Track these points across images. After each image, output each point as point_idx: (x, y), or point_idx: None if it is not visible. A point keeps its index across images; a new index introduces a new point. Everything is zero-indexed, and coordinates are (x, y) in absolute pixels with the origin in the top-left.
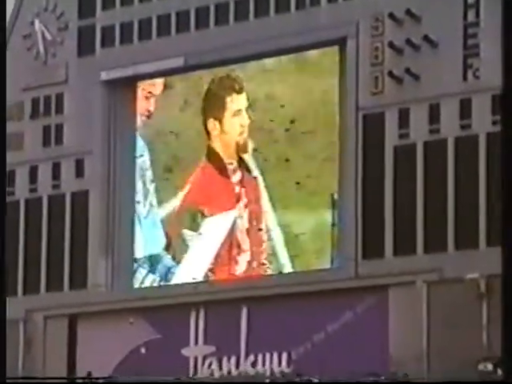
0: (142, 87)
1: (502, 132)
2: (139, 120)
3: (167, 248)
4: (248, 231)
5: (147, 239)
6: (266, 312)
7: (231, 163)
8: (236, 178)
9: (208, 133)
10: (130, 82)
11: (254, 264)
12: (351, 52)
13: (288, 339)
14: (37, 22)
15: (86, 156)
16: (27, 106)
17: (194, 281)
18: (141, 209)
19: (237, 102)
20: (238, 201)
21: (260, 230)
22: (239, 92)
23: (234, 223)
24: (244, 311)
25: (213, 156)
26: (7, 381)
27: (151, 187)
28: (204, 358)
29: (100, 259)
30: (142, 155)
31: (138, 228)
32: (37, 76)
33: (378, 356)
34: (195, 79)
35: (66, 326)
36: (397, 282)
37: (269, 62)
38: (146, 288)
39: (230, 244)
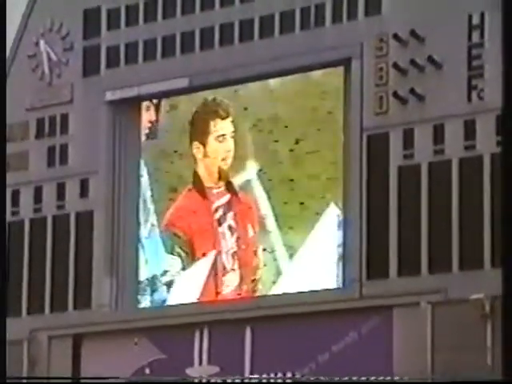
0: (147, 106)
1: (502, 153)
2: (142, 139)
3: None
4: (236, 254)
5: (150, 260)
6: (271, 332)
7: (217, 187)
8: (221, 201)
9: (194, 156)
10: (135, 103)
11: (243, 286)
12: (356, 72)
13: (292, 359)
14: (42, 43)
15: (91, 176)
16: (32, 126)
17: (198, 301)
18: (142, 230)
19: (220, 128)
20: (219, 225)
21: (255, 251)
22: (224, 118)
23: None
24: (248, 331)
25: (197, 180)
26: (7, 381)
27: (152, 207)
28: (208, 379)
29: (104, 279)
30: (141, 175)
31: (140, 250)
32: (42, 96)
33: (382, 376)
34: (199, 100)
35: (71, 345)
36: (401, 302)
37: (273, 82)
38: (151, 308)
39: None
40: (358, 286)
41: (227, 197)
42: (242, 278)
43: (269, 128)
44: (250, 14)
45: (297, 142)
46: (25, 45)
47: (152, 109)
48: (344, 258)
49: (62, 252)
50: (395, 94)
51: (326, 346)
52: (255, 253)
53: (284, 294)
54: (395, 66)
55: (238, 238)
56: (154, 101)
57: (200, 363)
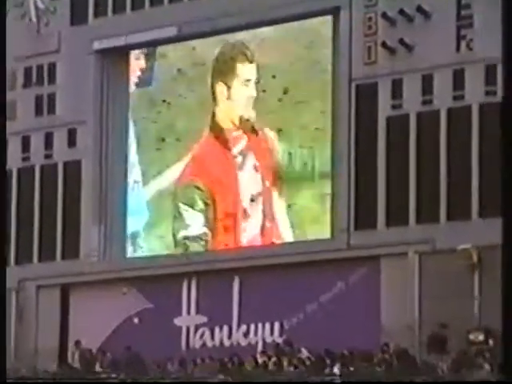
0: (134, 56)
1: (503, 101)
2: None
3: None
4: (260, 194)
5: (132, 216)
6: (258, 282)
7: (235, 129)
8: (241, 145)
9: (214, 98)
10: (123, 52)
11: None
12: (344, 22)
13: (280, 309)
14: None
15: (79, 126)
16: (19, 75)
17: (186, 252)
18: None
19: (247, 72)
20: (240, 169)
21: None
22: (250, 61)
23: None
24: (236, 281)
25: (215, 125)
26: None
27: (135, 159)
28: (196, 328)
29: (93, 229)
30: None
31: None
32: (29, 45)
33: (369, 326)
34: (188, 49)
35: (59, 295)
36: (389, 252)
37: (261, 31)
38: (139, 258)
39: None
40: (345, 236)
41: (246, 138)
42: (265, 217)
43: (256, 78)
44: None
45: (285, 92)
46: None
47: (142, 57)
48: (332, 209)
49: (50, 201)
50: (384, 44)
51: (314, 295)
52: (278, 193)
53: (272, 244)
54: (384, 15)
55: (262, 176)
56: (144, 50)
57: (188, 313)
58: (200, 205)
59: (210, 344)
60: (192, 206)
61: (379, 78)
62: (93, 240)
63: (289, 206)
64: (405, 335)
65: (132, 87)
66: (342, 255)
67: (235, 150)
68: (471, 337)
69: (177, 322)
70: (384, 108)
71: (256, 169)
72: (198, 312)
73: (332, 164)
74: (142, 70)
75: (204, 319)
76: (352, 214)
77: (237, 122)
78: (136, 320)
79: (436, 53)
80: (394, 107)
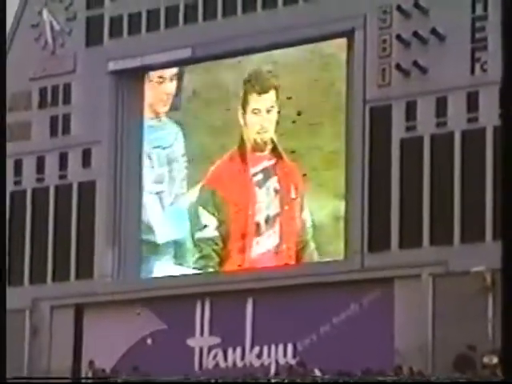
0: (151, 79)
1: (503, 125)
2: (165, 108)
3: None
4: (278, 215)
5: (172, 226)
6: (272, 303)
7: (259, 151)
8: (262, 165)
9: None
10: (138, 73)
11: (282, 246)
12: (359, 44)
13: (293, 331)
14: (45, 12)
15: (94, 146)
16: (35, 95)
17: (200, 271)
18: (166, 198)
19: (256, 101)
20: (259, 187)
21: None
22: (259, 93)
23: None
24: (250, 303)
25: (241, 144)
26: (7, 381)
27: (179, 176)
28: (209, 349)
29: (107, 249)
30: (170, 145)
31: (161, 216)
32: (45, 66)
33: (383, 348)
34: (202, 71)
35: (72, 315)
36: (402, 274)
37: (276, 53)
38: (153, 279)
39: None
40: (359, 257)
41: (272, 161)
42: (281, 239)
43: (215, 117)
44: None
45: (299, 114)
46: (28, 14)
47: (167, 80)
48: (346, 230)
49: (65, 222)
50: (398, 66)
51: (328, 317)
52: (298, 215)
53: (286, 264)
54: (398, 37)
55: (281, 199)
56: (171, 72)
57: (201, 334)
58: (214, 210)
59: (223, 365)
60: (208, 210)
61: (393, 101)
62: (107, 260)
63: (307, 227)
64: (418, 357)
65: (161, 111)
66: (355, 277)
67: (256, 169)
68: (485, 360)
69: (190, 342)
70: (398, 130)
71: (276, 191)
72: (211, 333)
73: (346, 186)
74: (170, 95)
75: (217, 340)
76: (366, 235)
77: (257, 144)
78: (149, 341)
79: (450, 75)
80: (407, 129)
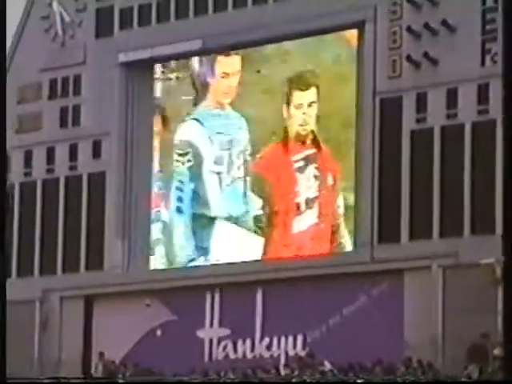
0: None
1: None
2: (228, 100)
3: None
4: (317, 198)
5: (227, 204)
6: (282, 295)
7: (300, 142)
8: (303, 154)
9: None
10: (148, 64)
11: (321, 225)
12: (369, 36)
13: (303, 322)
14: (55, 4)
15: (104, 137)
16: (45, 86)
17: (211, 263)
18: (224, 179)
19: (300, 97)
20: (300, 172)
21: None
22: (302, 90)
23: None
24: (259, 294)
25: (285, 134)
26: (7, 381)
27: (238, 161)
28: (219, 341)
29: (117, 241)
30: (230, 133)
31: (218, 194)
32: (55, 57)
33: (392, 340)
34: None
35: (82, 306)
36: (412, 266)
37: (287, 44)
38: (162, 270)
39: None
40: (369, 249)
41: (312, 150)
42: (319, 219)
43: (265, 110)
44: None
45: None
46: (38, 6)
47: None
48: (355, 222)
49: (75, 213)
50: (408, 58)
51: (337, 309)
52: (334, 200)
53: (295, 256)
54: (409, 29)
55: (319, 185)
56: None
57: (211, 325)
58: (260, 192)
59: (232, 356)
60: (254, 191)
61: (404, 92)
62: (117, 252)
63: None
64: (428, 349)
65: (224, 102)
66: (365, 269)
67: (297, 157)
68: (495, 352)
69: (200, 334)
70: (408, 122)
71: (315, 177)
72: (221, 324)
73: (356, 177)
74: (232, 88)
75: (227, 332)
76: (375, 227)
77: (299, 135)
78: (159, 332)
79: (461, 67)
80: (418, 121)
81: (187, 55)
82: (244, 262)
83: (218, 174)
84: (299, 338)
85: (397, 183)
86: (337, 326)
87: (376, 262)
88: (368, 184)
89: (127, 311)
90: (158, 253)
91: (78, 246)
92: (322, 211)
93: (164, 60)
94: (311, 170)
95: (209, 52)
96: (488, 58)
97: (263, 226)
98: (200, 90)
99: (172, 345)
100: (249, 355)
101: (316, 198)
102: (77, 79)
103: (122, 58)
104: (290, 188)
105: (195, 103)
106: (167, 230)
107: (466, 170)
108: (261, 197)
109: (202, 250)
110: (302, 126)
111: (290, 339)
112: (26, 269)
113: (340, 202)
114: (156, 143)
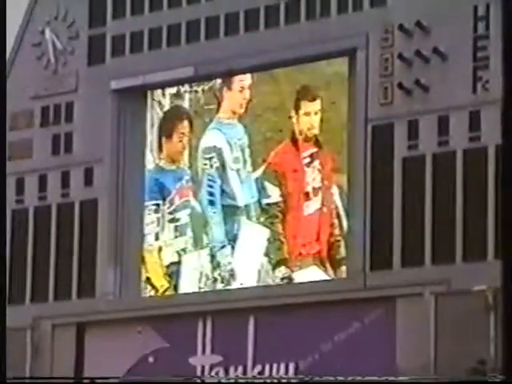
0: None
1: (504, 143)
2: (241, 110)
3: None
4: (320, 188)
5: (246, 195)
6: (274, 322)
7: (305, 142)
8: (309, 151)
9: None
10: (140, 91)
11: (323, 209)
12: (361, 63)
13: (295, 349)
14: (47, 31)
15: (96, 165)
16: (37, 114)
17: (201, 290)
18: (242, 174)
19: (308, 106)
20: (307, 166)
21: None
22: (313, 100)
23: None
24: (251, 321)
25: (293, 135)
26: (7, 381)
27: (249, 160)
28: (211, 368)
29: (108, 268)
30: (242, 138)
31: (240, 187)
32: (47, 84)
33: (384, 366)
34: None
35: (74, 334)
36: (404, 293)
37: (278, 72)
38: (154, 297)
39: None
40: (361, 276)
41: (316, 149)
42: (322, 203)
43: (273, 117)
44: (255, 3)
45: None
46: (30, 33)
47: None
48: (347, 248)
49: (67, 240)
50: (400, 85)
51: (329, 336)
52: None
53: (287, 283)
54: (400, 56)
55: (322, 176)
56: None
57: (203, 352)
58: (277, 183)
59: None
60: (272, 183)
61: (395, 119)
62: (109, 279)
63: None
64: (420, 376)
65: (239, 112)
66: (357, 295)
67: (305, 154)
68: (488, 379)
69: (192, 361)
70: (400, 149)
71: (319, 170)
72: (213, 351)
73: (348, 204)
74: (245, 100)
75: (219, 358)
76: (368, 254)
77: (307, 137)
78: (151, 359)
79: (452, 94)
80: (409, 148)
81: (179, 82)
82: (236, 288)
83: (237, 170)
84: (291, 366)
85: (389, 210)
86: (329, 353)
87: (368, 288)
88: (360, 211)
89: (119, 338)
90: (187, 234)
91: (70, 273)
92: (324, 197)
93: (156, 87)
94: (315, 164)
95: (200, 79)
96: (479, 86)
97: (276, 212)
98: (220, 100)
99: (164, 372)
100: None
101: (319, 187)
102: (69, 106)
103: (114, 85)
104: (302, 178)
105: (216, 111)
106: (196, 216)
107: (457, 197)
108: (276, 185)
109: (233, 235)
110: (309, 129)
111: (282, 366)
112: (17, 296)
113: (334, 190)
114: (185, 142)
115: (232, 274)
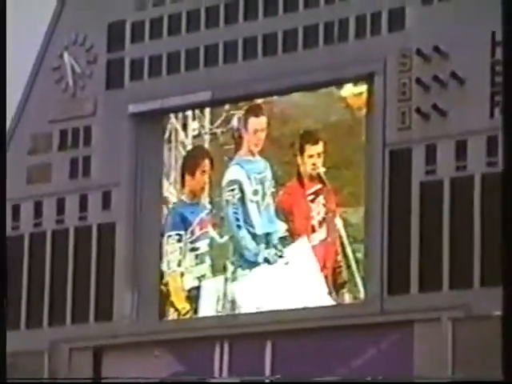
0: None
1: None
2: (257, 149)
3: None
4: (325, 220)
5: (264, 225)
6: (291, 346)
7: (312, 179)
8: (313, 188)
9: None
10: (158, 115)
11: (328, 239)
12: (379, 88)
13: (312, 373)
14: (66, 55)
15: (113, 188)
16: (55, 137)
17: (218, 314)
18: (261, 206)
19: (311, 149)
20: (312, 202)
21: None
22: (315, 143)
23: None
24: (268, 345)
25: (299, 175)
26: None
27: (268, 192)
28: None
29: (126, 291)
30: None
31: (258, 217)
32: (65, 108)
33: None
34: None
35: (91, 358)
36: (422, 318)
37: (296, 96)
38: (171, 321)
39: None
40: (379, 301)
41: (320, 185)
42: (327, 234)
43: (291, 142)
44: (273, 28)
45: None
46: (49, 57)
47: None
48: (365, 273)
49: (84, 263)
50: (418, 110)
51: (346, 360)
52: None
53: (304, 308)
54: (418, 81)
55: (326, 210)
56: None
57: (220, 376)
58: (284, 218)
59: None
60: (279, 218)
61: (413, 144)
62: (126, 302)
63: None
64: None
65: (255, 150)
66: (374, 320)
67: (310, 191)
68: None
69: None
70: (418, 173)
71: (323, 205)
72: (230, 375)
73: (365, 229)
74: (260, 140)
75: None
76: (385, 278)
77: (311, 175)
78: None
79: (470, 119)
80: (427, 173)
81: (197, 106)
82: (253, 313)
83: (257, 202)
84: None
85: (406, 235)
86: (345, 377)
87: (386, 313)
88: (378, 236)
89: (136, 362)
90: (207, 262)
91: (87, 296)
92: (329, 229)
93: (174, 111)
94: (320, 199)
95: (218, 103)
96: (497, 111)
97: (286, 243)
98: (237, 141)
99: None
100: None
101: (324, 220)
102: (87, 130)
103: (132, 109)
104: (307, 213)
105: (235, 151)
106: (214, 245)
107: (475, 222)
108: (284, 221)
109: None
110: (313, 170)
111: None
112: (34, 320)
113: (337, 220)
114: (206, 179)
115: (246, 300)
